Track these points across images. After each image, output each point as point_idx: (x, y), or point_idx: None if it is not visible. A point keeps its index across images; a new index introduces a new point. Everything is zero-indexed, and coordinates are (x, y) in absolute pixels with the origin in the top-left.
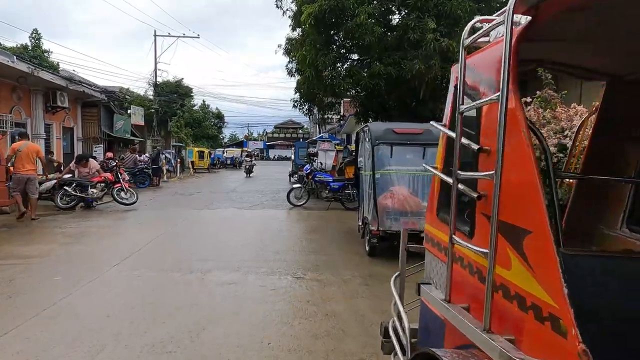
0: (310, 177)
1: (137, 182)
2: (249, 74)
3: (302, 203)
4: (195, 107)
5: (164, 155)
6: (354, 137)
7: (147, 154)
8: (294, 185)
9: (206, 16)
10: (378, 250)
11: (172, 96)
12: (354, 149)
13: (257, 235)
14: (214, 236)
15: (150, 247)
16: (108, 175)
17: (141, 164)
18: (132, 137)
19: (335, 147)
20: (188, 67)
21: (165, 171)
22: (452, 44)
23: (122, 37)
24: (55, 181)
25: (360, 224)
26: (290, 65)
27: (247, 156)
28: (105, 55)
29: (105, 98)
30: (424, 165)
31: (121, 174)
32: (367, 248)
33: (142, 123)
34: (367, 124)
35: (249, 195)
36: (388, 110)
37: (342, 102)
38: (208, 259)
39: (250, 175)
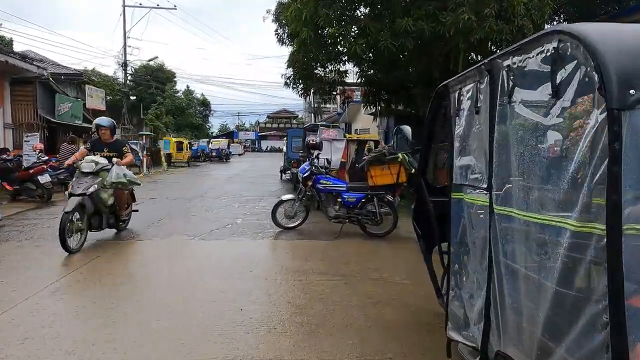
0: (310, 182)
1: None
2: (240, 54)
3: (295, 224)
4: (179, 94)
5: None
6: (354, 127)
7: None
8: (284, 197)
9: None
10: None
11: (146, 77)
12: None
13: None
14: None
15: None
16: None
17: None
18: (85, 124)
19: (345, 136)
20: (175, 50)
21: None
22: None
23: (102, 17)
24: None
25: (458, 339)
26: (280, 31)
27: (83, 147)
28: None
29: (45, 73)
30: None
31: None
32: None
33: (103, 107)
34: (564, 26)
35: (220, 204)
36: (408, 88)
37: (343, 88)
38: None
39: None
